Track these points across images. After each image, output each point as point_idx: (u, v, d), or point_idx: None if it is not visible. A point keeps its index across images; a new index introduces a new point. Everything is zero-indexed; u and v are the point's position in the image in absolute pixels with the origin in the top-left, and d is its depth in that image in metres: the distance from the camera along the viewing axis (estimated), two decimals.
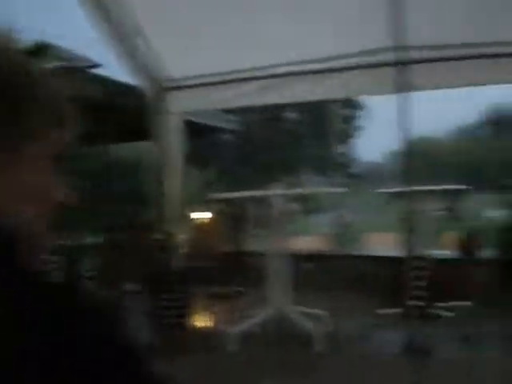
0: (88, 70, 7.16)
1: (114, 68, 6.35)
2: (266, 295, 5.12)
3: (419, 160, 20.34)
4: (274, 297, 5.07)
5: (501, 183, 9.27)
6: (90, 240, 6.36)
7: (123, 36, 5.29)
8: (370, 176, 28.52)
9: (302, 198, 6.79)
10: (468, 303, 5.56)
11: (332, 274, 7.19)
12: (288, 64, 5.34)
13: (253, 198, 5.87)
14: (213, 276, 6.87)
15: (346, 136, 27.43)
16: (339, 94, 6.17)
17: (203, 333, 5.71)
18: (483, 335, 4.93)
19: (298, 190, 5.82)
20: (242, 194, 5.88)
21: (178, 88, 5.84)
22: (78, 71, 6.40)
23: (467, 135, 27.95)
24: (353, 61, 5.22)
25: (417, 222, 5.18)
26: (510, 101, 26.99)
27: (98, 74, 7.09)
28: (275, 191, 5.43)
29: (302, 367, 4.39)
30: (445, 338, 4.99)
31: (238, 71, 5.53)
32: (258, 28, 5.00)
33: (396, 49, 5.00)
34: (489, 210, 12.19)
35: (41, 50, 6.72)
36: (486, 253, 6.63)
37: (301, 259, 7.16)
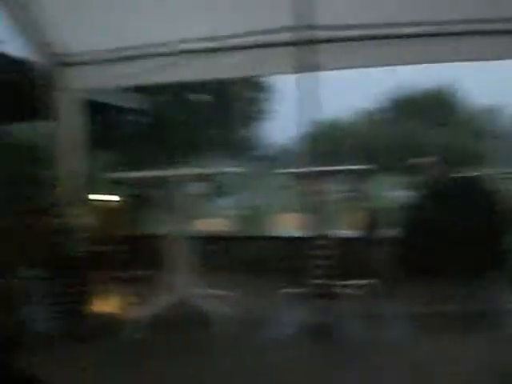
0: None
1: (10, 43, 6.04)
2: (170, 278, 4.98)
3: (324, 141, 20.72)
4: (178, 280, 4.94)
5: (403, 164, 9.49)
6: None
7: (18, 9, 5.00)
8: (275, 157, 28.79)
9: (207, 180, 6.69)
10: (371, 281, 5.62)
11: (236, 255, 7.14)
12: (188, 41, 5.20)
13: (156, 179, 5.70)
14: (115, 260, 6.66)
15: (252, 117, 27.55)
16: (241, 72, 6.10)
17: (105, 319, 5.51)
18: (388, 314, 4.98)
19: (202, 170, 5.72)
20: (145, 175, 5.70)
21: (77, 64, 5.60)
22: None
23: (371, 116, 28.65)
24: (255, 39, 5.13)
25: (321, 202, 5.18)
26: (413, 82, 27.93)
27: None
28: (179, 171, 5.30)
29: (203, 350, 4.30)
30: (350, 316, 5.01)
31: (140, 46, 5.34)
32: (157, 3, 4.84)
33: (300, 28, 4.95)
34: (392, 191, 12.56)
35: None
36: (388, 232, 6.75)
37: (205, 241, 7.06)
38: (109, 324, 5.25)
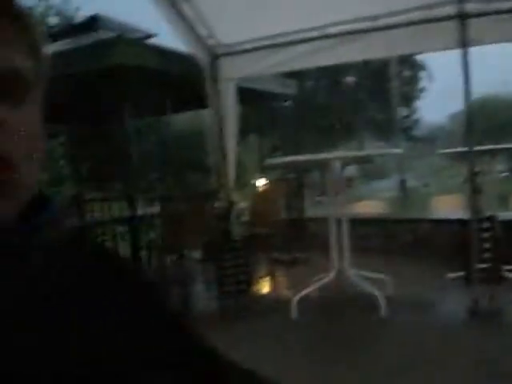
0: (143, 41, 7.15)
1: (169, 37, 6.33)
2: (328, 260, 5.03)
3: (483, 119, 19.79)
4: (336, 262, 4.97)
5: None
6: (151, 210, 6.40)
7: (174, 4, 5.23)
8: (433, 138, 27.91)
9: (364, 162, 6.66)
10: None
11: (394, 237, 7.03)
12: (341, 23, 5.15)
13: (313, 163, 5.77)
14: (274, 242, 6.84)
15: (407, 98, 26.87)
16: (396, 51, 5.94)
17: (265, 299, 5.69)
18: None
19: (358, 153, 5.68)
20: (302, 159, 5.78)
21: (231, 54, 5.76)
22: (134, 42, 6.39)
23: None
24: (411, 16, 4.99)
25: (482, 183, 4.96)
26: None
27: (153, 44, 7.06)
28: (335, 154, 5.30)
29: (364, 333, 4.30)
30: None
31: (291, 33, 5.39)
32: None
33: (457, 1, 4.76)
34: None
35: (95, 22, 6.74)
36: None
37: (363, 224, 7.03)
38: (268, 304, 5.42)
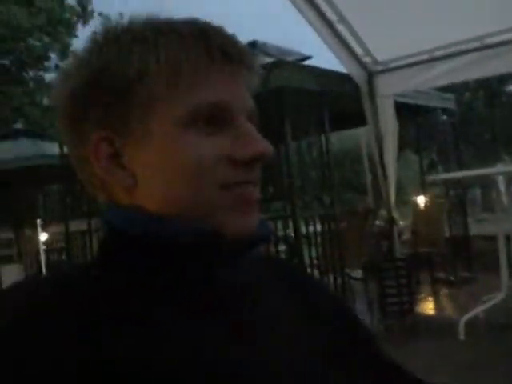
0: (300, 63, 7.31)
1: (324, 58, 6.42)
2: (496, 280, 4.81)
3: None
4: (506, 282, 4.75)
5: None
6: (310, 229, 6.48)
7: (330, 25, 5.32)
8: None
9: None
10: None
11: None
12: (503, 32, 4.94)
13: (476, 178, 5.57)
14: (437, 262, 6.66)
15: None
16: None
17: (430, 320, 5.55)
18: None
19: None
20: (464, 174, 5.61)
21: (387, 70, 5.74)
22: (292, 65, 6.56)
23: None
24: None
25: None
26: None
27: (310, 66, 7.20)
28: (500, 169, 5.09)
29: None
30: None
31: (445, 47, 5.28)
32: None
33: None
34: None
35: (254, 48, 6.98)
36: None
37: None
38: (434, 325, 5.28)
